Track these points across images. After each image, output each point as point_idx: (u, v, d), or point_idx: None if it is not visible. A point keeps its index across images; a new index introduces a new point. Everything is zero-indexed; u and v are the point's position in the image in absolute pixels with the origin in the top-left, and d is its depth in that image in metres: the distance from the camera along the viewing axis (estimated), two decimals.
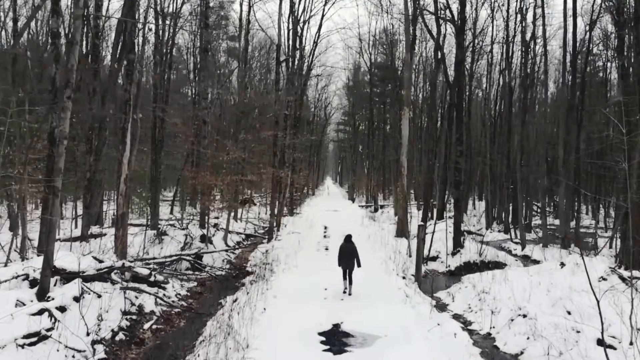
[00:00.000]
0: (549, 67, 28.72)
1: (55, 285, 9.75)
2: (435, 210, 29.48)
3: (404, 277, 13.86)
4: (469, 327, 10.51)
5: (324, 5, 30.70)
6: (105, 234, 17.77)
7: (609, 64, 33.73)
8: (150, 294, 10.81)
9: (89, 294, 9.73)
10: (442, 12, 24.97)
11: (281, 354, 7.87)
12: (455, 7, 27.25)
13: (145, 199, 22.20)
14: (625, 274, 12.34)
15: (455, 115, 21.66)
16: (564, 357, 8.15)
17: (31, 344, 8.02)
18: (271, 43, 35.30)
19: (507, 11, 29.13)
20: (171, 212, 29.39)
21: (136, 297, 10.59)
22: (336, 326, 9.58)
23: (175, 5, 27.15)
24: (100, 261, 10.96)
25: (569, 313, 9.90)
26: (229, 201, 20.54)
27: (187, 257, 14.95)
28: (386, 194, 50.09)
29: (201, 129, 20.76)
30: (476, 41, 31.00)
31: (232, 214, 23.66)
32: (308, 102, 47.49)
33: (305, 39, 33.27)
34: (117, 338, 9.01)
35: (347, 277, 12.03)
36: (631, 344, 8.36)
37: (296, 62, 28.15)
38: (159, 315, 10.49)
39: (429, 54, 39.33)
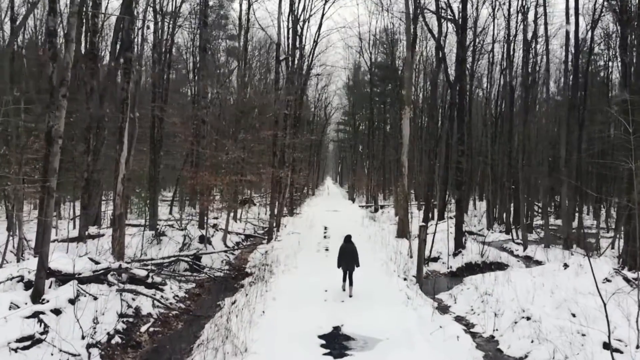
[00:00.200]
0: (550, 66, 28.57)
1: (50, 287, 9.58)
2: (435, 211, 29.34)
3: (405, 279, 13.68)
4: (471, 330, 10.34)
5: (324, 4, 30.56)
6: (103, 235, 17.60)
7: (610, 64, 33.62)
8: (147, 296, 10.63)
9: (85, 296, 9.56)
10: (444, 11, 24.81)
11: (280, 358, 7.69)
12: (456, 6, 27.14)
13: (144, 199, 22.01)
14: (630, 275, 12.18)
15: (456, 115, 21.50)
16: None
17: (25, 348, 7.85)
18: (271, 42, 35.12)
19: (509, 10, 28.95)
20: (170, 213, 29.23)
21: (133, 299, 10.42)
22: (336, 329, 9.39)
23: (174, 4, 27.03)
24: (97, 262, 10.78)
25: (574, 315, 9.72)
26: (228, 201, 20.36)
27: (186, 258, 14.76)
28: (386, 194, 49.92)
29: (200, 128, 20.58)
30: (477, 40, 30.85)
31: (232, 214, 23.49)
32: (308, 102, 47.32)
33: (305, 38, 33.14)
34: (113, 341, 8.83)
35: (348, 278, 11.87)
36: (638, 347, 8.19)
37: (296, 61, 27.96)
38: (156, 318, 10.32)
39: (430, 53, 39.23)
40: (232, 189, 19.88)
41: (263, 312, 9.71)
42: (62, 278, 9.85)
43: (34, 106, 16.81)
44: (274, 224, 22.28)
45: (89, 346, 8.36)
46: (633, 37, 18.28)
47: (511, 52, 29.43)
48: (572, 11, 22.03)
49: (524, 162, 24.78)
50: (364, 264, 14.31)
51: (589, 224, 31.42)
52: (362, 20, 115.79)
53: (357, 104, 49.79)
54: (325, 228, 24.29)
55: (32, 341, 8.00)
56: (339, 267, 12.00)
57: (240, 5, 34.22)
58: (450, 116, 28.36)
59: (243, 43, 28.16)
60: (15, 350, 7.67)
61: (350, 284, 11.76)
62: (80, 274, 10.05)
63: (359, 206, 42.50)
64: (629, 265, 15.50)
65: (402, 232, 21.45)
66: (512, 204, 29.72)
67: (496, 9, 30.58)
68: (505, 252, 19.94)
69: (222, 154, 18.38)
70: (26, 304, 8.94)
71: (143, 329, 9.66)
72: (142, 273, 11.42)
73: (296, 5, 27.50)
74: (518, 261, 18.31)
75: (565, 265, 13.22)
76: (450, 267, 16.79)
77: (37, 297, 9.09)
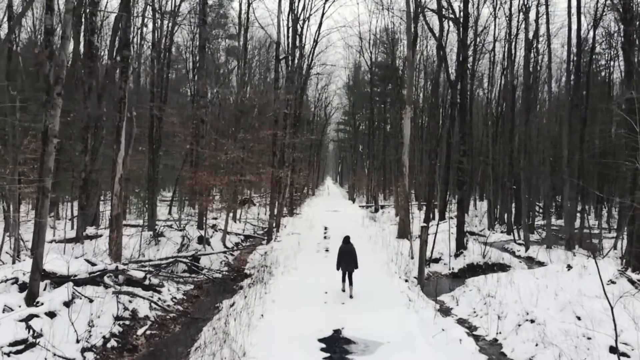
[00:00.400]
0: (551, 65, 28.36)
1: (45, 289, 9.40)
2: (436, 211, 29.15)
3: (406, 280, 13.49)
4: (474, 333, 10.15)
5: (324, 3, 30.39)
6: (101, 235, 17.39)
7: (612, 63, 33.45)
8: (144, 298, 10.44)
9: (80, 298, 9.38)
10: (445, 10, 24.61)
11: None
12: (457, 5, 26.97)
13: (142, 199, 21.83)
14: (635, 276, 11.99)
15: (458, 114, 21.30)
16: None
17: (18, 352, 7.67)
18: (271, 41, 34.93)
19: (510, 9, 28.76)
20: (169, 213, 29.06)
21: (130, 302, 10.23)
22: (337, 332, 9.22)
23: (173, 2, 26.86)
24: (93, 264, 10.59)
25: (579, 318, 9.53)
26: (227, 202, 20.18)
27: (184, 260, 14.58)
28: (386, 194, 49.75)
29: (199, 128, 20.39)
30: (478, 40, 30.66)
31: (231, 214, 23.30)
32: (308, 102, 47.15)
33: (305, 37, 32.91)
34: (108, 345, 8.65)
35: (348, 278, 11.79)
36: None
37: (296, 60, 27.78)
38: (154, 321, 10.14)
39: (430, 53, 39.05)
40: (231, 189, 19.69)
41: (262, 315, 9.52)
42: (58, 280, 9.67)
43: (30, 105, 16.60)
44: (274, 225, 22.09)
45: (83, 350, 8.19)
46: (635, 35, 18.08)
47: (513, 52, 29.27)
48: (574, 10, 21.90)
49: (526, 162, 24.58)
50: (365, 264, 14.15)
51: (591, 224, 31.22)
52: (363, 19, 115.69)
53: (357, 103, 49.61)
54: (326, 228, 24.11)
55: (25, 345, 7.82)
56: (338, 269, 11.95)
57: (240, 4, 34.15)
58: (451, 116, 28.16)
59: (243, 42, 27.98)
60: (8, 354, 7.50)
61: (350, 283, 11.68)
62: (75, 275, 9.87)
63: (359, 206, 42.32)
64: (633, 266, 15.29)
65: (403, 232, 21.27)
66: (513, 204, 29.52)
67: (497, 8, 30.44)
68: (507, 253, 19.75)
69: (221, 153, 18.19)
70: (20, 306, 8.77)
71: (140, 332, 9.48)
72: (140, 275, 11.23)
73: (296, 4, 27.36)
74: (520, 262, 18.12)
75: (569, 267, 13.03)
76: (452, 268, 16.60)
77: (31, 300, 8.92)
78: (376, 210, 37.90)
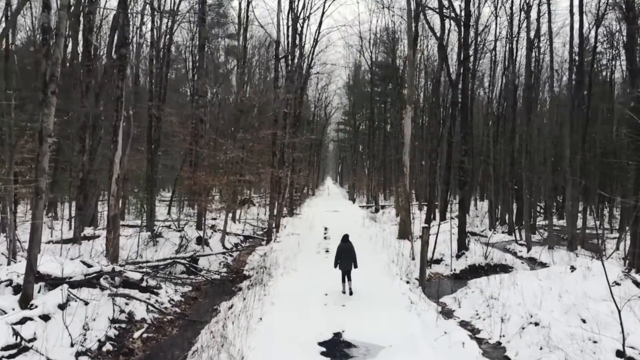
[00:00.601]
0: (553, 65, 28.14)
1: (39, 291, 9.23)
2: (437, 211, 28.97)
3: (407, 282, 13.31)
4: (477, 336, 9.97)
5: (324, 1, 30.22)
6: (98, 236, 17.22)
7: (613, 63, 33.26)
8: (141, 300, 10.25)
9: (76, 301, 9.19)
10: (446, 9, 24.43)
11: None
12: (457, 4, 26.78)
13: (141, 200, 21.64)
14: (639, 278, 11.82)
15: (460, 114, 21.11)
16: None
17: (10, 356, 7.49)
18: (270, 41, 34.75)
19: (511, 8, 28.59)
20: (169, 213, 28.88)
21: (126, 304, 10.04)
22: (337, 335, 9.03)
23: (172, 1, 26.65)
24: (89, 265, 10.42)
25: (584, 321, 9.35)
26: (226, 202, 20.00)
27: (182, 261, 14.39)
28: (387, 194, 49.56)
29: (198, 127, 20.20)
30: (479, 39, 30.47)
31: (231, 215, 23.11)
32: (308, 102, 46.96)
33: (305, 36, 32.76)
34: (104, 349, 8.46)
35: (347, 277, 11.79)
36: None
37: (296, 59, 27.59)
38: (150, 323, 9.94)
39: (431, 52, 38.86)
40: (230, 189, 19.51)
41: (260, 318, 9.32)
42: (52, 282, 9.49)
43: (28, 105, 16.44)
44: (273, 225, 21.90)
45: (78, 354, 8.00)
46: (638, 34, 17.90)
47: (514, 51, 29.09)
48: (576, 9, 21.71)
49: (527, 162, 24.39)
50: (366, 265, 14.00)
51: (592, 224, 31.01)
52: (363, 18, 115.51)
53: (358, 103, 49.42)
54: (326, 229, 23.93)
55: (18, 349, 7.64)
56: (335, 267, 11.96)
57: (240, 3, 33.98)
58: (452, 115, 28.00)
59: (242, 41, 27.78)
60: (0, 358, 7.32)
61: (349, 279, 11.74)
62: (71, 277, 9.69)
63: (360, 206, 42.13)
64: (637, 267, 15.12)
65: (404, 233, 21.07)
66: (514, 204, 29.33)
67: (498, 8, 30.24)
68: (509, 254, 19.57)
69: (220, 153, 18.00)
70: (14, 309, 8.60)
71: (136, 335, 9.29)
72: (136, 276, 11.05)
73: (296, 3, 27.19)
74: (522, 263, 17.94)
75: (572, 268, 12.84)
76: (454, 269, 16.41)
77: (25, 303, 8.75)
78: (376, 211, 37.72)
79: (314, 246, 18.76)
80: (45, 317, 8.51)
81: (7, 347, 7.48)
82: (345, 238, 12.20)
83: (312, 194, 56.98)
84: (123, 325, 9.40)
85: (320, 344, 8.58)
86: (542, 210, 36.01)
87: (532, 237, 23.49)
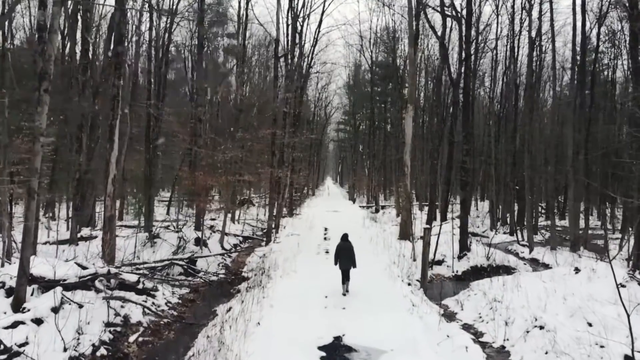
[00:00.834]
0: (555, 64, 27.92)
1: (32, 294, 9.01)
2: (437, 211, 28.75)
3: (409, 284, 13.08)
4: (480, 339, 9.75)
5: (324, 0, 29.96)
6: (96, 237, 17.04)
7: (615, 62, 33.04)
8: (137, 303, 10.03)
9: (69, 304, 8.99)
10: (447, 8, 24.21)
11: None
12: (458, 2, 26.56)
13: (139, 200, 21.44)
14: None
15: (461, 113, 20.87)
16: None
17: None
18: (270, 40, 34.57)
19: (513, 7, 28.37)
20: (167, 213, 28.67)
21: (122, 307, 9.83)
22: (337, 339, 8.80)
23: (171, 0, 26.44)
24: (84, 267, 10.20)
25: (590, 325, 9.13)
26: (225, 202, 19.78)
27: (180, 262, 14.17)
28: (387, 194, 49.34)
29: (197, 127, 19.99)
30: (479, 38, 30.22)
31: (230, 215, 22.90)
32: (308, 101, 46.72)
33: (305, 35, 32.53)
34: (98, 353, 8.25)
35: (345, 276, 11.72)
36: None
37: (295, 58, 27.37)
38: (147, 326, 9.73)
39: (431, 52, 38.63)
40: (229, 189, 19.30)
41: (258, 323, 9.08)
42: (46, 285, 9.28)
43: (23, 104, 16.21)
44: (273, 226, 21.67)
45: (71, 359, 7.78)
46: None
47: (515, 50, 28.87)
48: (578, 8, 21.50)
49: (529, 162, 24.16)
50: (366, 267, 13.79)
51: (593, 224, 30.83)
52: (363, 17, 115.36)
53: (358, 103, 49.18)
54: (326, 229, 23.70)
55: (9, 354, 7.43)
56: (335, 264, 11.90)
57: (239, 2, 33.68)
58: (453, 114, 27.78)
59: (242, 40, 27.55)
60: None
61: (347, 279, 11.67)
62: (65, 280, 9.48)
63: (360, 206, 41.90)
64: None
65: (405, 233, 20.84)
66: (516, 205, 29.10)
67: (500, 7, 29.99)
68: (511, 255, 19.35)
69: (218, 153, 17.78)
70: (5, 313, 8.39)
71: (131, 339, 9.07)
72: (133, 278, 10.83)
73: (295, 1, 26.95)
74: (525, 264, 17.72)
75: (577, 270, 12.64)
76: (456, 271, 16.19)
77: (18, 306, 8.54)
78: (377, 211, 37.50)
79: (313, 247, 18.53)
80: (38, 321, 8.31)
81: None
82: (345, 237, 12.12)
83: (312, 194, 56.75)
84: (118, 329, 9.19)
85: (320, 348, 8.36)
86: (543, 211, 35.79)
87: (534, 237, 23.26)
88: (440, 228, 18.13)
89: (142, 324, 9.72)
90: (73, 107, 17.86)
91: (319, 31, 30.87)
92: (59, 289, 9.08)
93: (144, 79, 32.28)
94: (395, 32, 37.03)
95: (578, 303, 10.09)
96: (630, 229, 23.43)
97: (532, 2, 25.80)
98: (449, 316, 11.30)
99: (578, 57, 22.29)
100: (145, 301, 10.56)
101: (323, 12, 30.65)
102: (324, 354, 8.15)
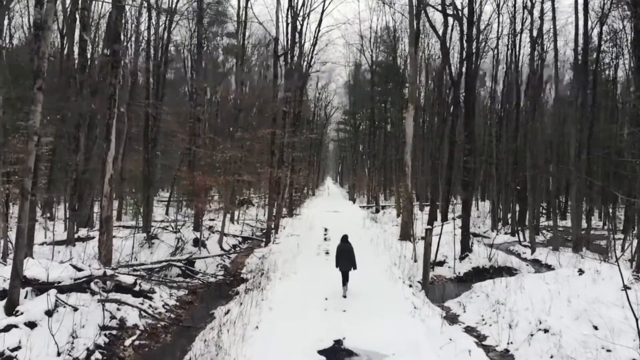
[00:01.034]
0: (557, 64, 27.74)
1: (26, 297, 8.82)
2: (438, 211, 28.55)
3: (410, 285, 12.87)
4: (483, 343, 9.55)
5: None
6: (93, 237, 16.82)
7: (616, 62, 32.83)
8: (132, 306, 9.82)
9: (64, 306, 8.79)
10: (448, 6, 24.00)
11: None
12: (459, 1, 26.37)
13: (137, 200, 21.24)
14: None
15: (464, 112, 20.69)
16: None
17: None
18: (270, 39, 34.37)
19: (514, 6, 28.17)
20: (166, 214, 28.47)
21: (118, 309, 9.63)
22: (338, 343, 8.62)
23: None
24: (79, 269, 10.00)
25: (596, 328, 8.93)
26: (225, 202, 19.59)
27: (178, 263, 13.96)
28: (387, 194, 49.14)
29: (195, 126, 19.78)
30: (480, 37, 30.02)
31: (229, 215, 22.71)
32: (308, 101, 46.54)
33: (305, 35, 32.29)
34: (92, 357, 8.06)
35: (345, 278, 11.64)
36: None
37: (295, 57, 27.18)
38: (143, 330, 9.53)
39: (432, 51, 38.47)
40: (229, 189, 19.10)
41: (257, 327, 8.88)
42: (40, 287, 9.09)
43: (19, 103, 16.01)
44: (272, 226, 21.47)
45: None
46: None
47: (516, 49, 28.69)
48: (580, 7, 21.29)
49: (531, 162, 23.96)
50: (367, 268, 13.62)
51: (595, 224, 30.62)
52: (363, 16, 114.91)
53: (358, 103, 48.97)
54: (326, 230, 23.51)
55: (1, 359, 7.25)
56: (336, 267, 11.80)
57: (239, 1, 33.48)
58: (454, 114, 27.58)
59: (241, 39, 27.36)
60: None
61: (347, 279, 11.59)
62: (59, 282, 9.28)
63: (360, 207, 41.72)
64: None
65: (406, 234, 20.65)
66: (517, 205, 28.90)
67: (501, 6, 29.77)
68: (513, 256, 19.14)
69: (217, 153, 17.58)
70: None
71: (127, 342, 8.88)
72: (129, 280, 10.64)
73: (295, 0, 26.76)
74: (527, 265, 17.51)
75: (580, 271, 12.42)
76: (458, 272, 15.98)
77: (11, 309, 8.34)
78: (377, 211, 37.30)
79: (313, 248, 18.35)
80: (31, 324, 8.12)
81: None
82: (345, 238, 12.05)
83: (312, 194, 56.56)
84: (114, 332, 8.99)
85: (320, 352, 8.18)
86: (544, 211, 35.59)
87: (536, 238, 23.06)
88: (441, 228, 17.93)
89: (139, 327, 9.52)
90: (70, 106, 17.64)
91: (319, 30, 30.69)
92: (53, 291, 8.89)
93: (143, 78, 32.11)
94: (396, 31, 36.90)
95: (583, 305, 9.89)
96: (633, 229, 23.26)
97: (534, 1, 25.63)
98: (451, 319, 11.10)
99: (580, 57, 22.11)
100: (142, 304, 10.37)
101: (323, 11, 30.54)
102: (324, 358, 7.97)
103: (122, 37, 24.80)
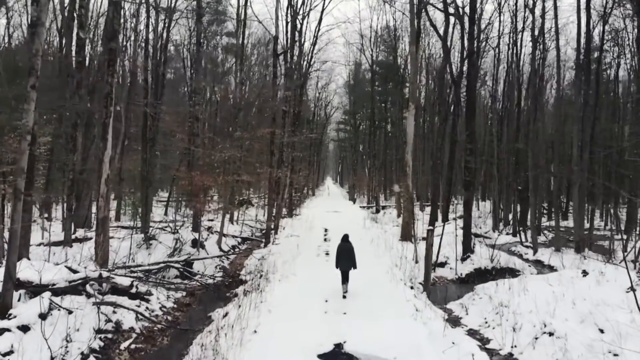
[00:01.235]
0: (555, 63, 27.55)
1: (19, 300, 8.63)
2: (438, 212, 28.35)
3: (411, 287, 12.67)
4: (487, 346, 9.36)
5: None
6: (90, 238, 16.60)
7: (618, 60, 32.64)
8: (128, 309, 9.63)
9: (58, 309, 8.60)
10: (450, 5, 23.78)
11: None
12: (460, 0, 26.15)
13: (136, 200, 21.04)
14: None
15: (465, 111, 20.48)
16: None
17: None
18: (269, 38, 34.18)
19: (515, 5, 27.98)
20: (166, 214, 28.28)
21: (114, 312, 9.44)
22: (338, 346, 8.42)
23: None
24: (75, 271, 9.81)
25: (602, 331, 8.74)
26: (223, 203, 19.39)
27: (176, 265, 13.76)
28: (387, 194, 48.95)
29: (194, 126, 19.58)
30: (481, 36, 29.81)
31: (228, 216, 22.51)
32: (308, 101, 46.36)
33: (305, 34, 32.15)
34: None
35: (345, 277, 11.54)
36: None
37: (295, 56, 26.98)
38: (140, 333, 9.34)
39: (432, 51, 38.29)
40: (228, 189, 18.91)
41: (255, 330, 8.67)
42: (34, 289, 8.90)
43: (14, 102, 15.82)
44: (272, 227, 21.27)
45: None
46: None
47: (518, 48, 28.49)
48: (582, 6, 21.10)
49: (533, 162, 23.77)
50: (368, 269, 13.44)
51: (596, 225, 30.41)
52: (364, 15, 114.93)
53: (358, 102, 48.79)
54: (326, 230, 23.32)
55: None
56: (336, 267, 11.71)
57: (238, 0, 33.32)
58: (454, 113, 27.38)
59: (241, 38, 27.16)
60: None
61: (347, 281, 11.50)
62: (54, 284, 9.09)
63: (360, 207, 41.51)
64: None
65: (407, 234, 20.46)
66: (518, 205, 28.71)
67: (502, 5, 29.57)
68: (515, 256, 18.94)
69: (215, 152, 17.38)
70: None
71: (123, 346, 8.69)
72: (126, 282, 10.44)
73: None
74: (529, 266, 17.31)
75: (584, 273, 12.25)
76: (461, 273, 15.77)
77: (3, 312, 8.15)
78: (377, 211, 37.10)
79: (313, 248, 18.15)
80: (24, 328, 7.94)
81: None
82: (345, 238, 11.99)
83: (312, 194, 56.36)
84: (109, 336, 8.81)
85: (320, 356, 7.99)
86: (545, 211, 35.39)
87: (537, 238, 22.86)
88: (443, 229, 17.74)
89: (135, 330, 9.33)
90: (67, 105, 17.45)
91: (318, 29, 30.51)
92: (47, 294, 8.71)
93: (142, 77, 31.91)
94: (396, 30, 36.71)
95: (588, 308, 9.70)
96: (635, 229, 23.08)
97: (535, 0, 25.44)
98: (454, 321, 10.91)
99: (582, 56, 21.91)
100: (139, 306, 10.17)
101: (323, 9, 30.40)
102: None
103: (120, 35, 24.71)
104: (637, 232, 21.23)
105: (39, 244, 16.87)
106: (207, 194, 19.66)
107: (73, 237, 16.55)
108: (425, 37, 35.73)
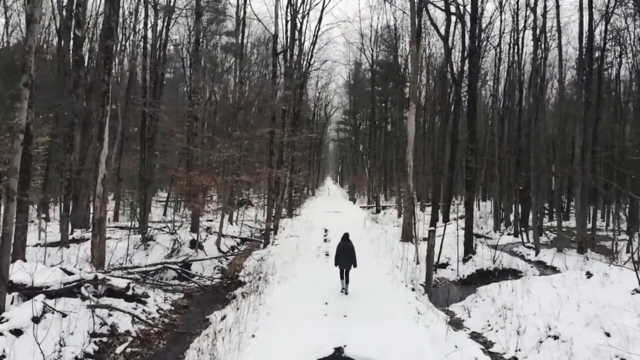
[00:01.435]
0: (556, 63, 27.39)
1: (12, 303, 8.44)
2: (439, 212, 28.16)
3: (413, 289, 12.48)
4: (490, 350, 9.17)
5: None
6: (88, 239, 16.39)
7: (619, 60, 32.46)
8: (124, 311, 9.43)
9: (52, 313, 8.40)
10: (451, 4, 23.59)
11: None
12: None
13: (134, 200, 20.85)
14: None
15: (467, 111, 20.28)
16: None
17: None
18: (269, 38, 33.99)
19: (517, 3, 27.81)
20: (164, 214, 28.09)
21: (109, 315, 9.24)
22: (338, 350, 8.22)
23: None
24: (70, 273, 9.62)
25: (608, 335, 8.55)
26: (223, 203, 19.19)
27: (174, 266, 13.57)
28: (388, 194, 48.76)
29: (193, 125, 19.39)
30: (482, 35, 29.63)
31: (227, 216, 22.32)
32: (308, 101, 46.18)
33: (305, 33, 31.94)
34: None
35: (345, 276, 11.54)
36: None
37: (295, 56, 26.79)
38: (136, 336, 9.14)
39: (432, 50, 38.08)
40: (227, 189, 18.72)
41: (253, 335, 8.47)
42: (28, 292, 8.71)
43: (11, 101, 15.65)
44: (272, 227, 21.08)
45: None
46: None
47: (519, 48, 28.31)
48: (585, 4, 20.92)
49: (534, 162, 23.58)
50: (369, 270, 13.27)
51: (598, 225, 30.22)
52: (364, 14, 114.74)
53: (358, 102, 48.63)
54: (326, 231, 23.14)
55: None
56: (336, 265, 11.71)
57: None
58: (455, 112, 27.20)
59: (240, 37, 26.98)
60: None
61: (347, 281, 11.51)
62: (48, 287, 8.90)
63: (360, 207, 41.34)
64: None
65: (407, 235, 20.29)
66: (520, 205, 28.53)
67: (503, 4, 29.39)
68: (517, 257, 18.76)
69: (214, 152, 17.18)
70: None
71: (119, 350, 8.49)
72: (122, 284, 10.25)
73: None
74: (531, 267, 17.12)
75: (589, 274, 12.05)
76: (462, 275, 15.58)
77: None
78: (378, 211, 36.93)
79: (313, 249, 17.97)
80: (17, 332, 7.74)
81: None
82: (346, 237, 12.00)
83: (312, 195, 56.19)
84: (104, 340, 8.61)
85: None
86: (546, 212, 35.21)
87: (539, 239, 22.68)
88: (444, 229, 17.55)
89: (131, 334, 9.14)
90: (64, 104, 17.27)
91: (318, 28, 30.35)
92: (41, 296, 8.52)
93: (141, 76, 31.74)
94: (397, 29, 36.52)
95: (594, 311, 9.50)
96: (638, 229, 22.87)
97: None
98: (456, 324, 10.72)
99: (584, 55, 21.73)
100: (135, 309, 9.98)
101: (323, 8, 30.19)
102: None
103: (119, 34, 24.52)
104: (636, 233, 21.03)
105: (36, 245, 16.67)
106: (206, 194, 19.49)
107: (70, 237, 16.36)
108: (426, 36, 35.55)
